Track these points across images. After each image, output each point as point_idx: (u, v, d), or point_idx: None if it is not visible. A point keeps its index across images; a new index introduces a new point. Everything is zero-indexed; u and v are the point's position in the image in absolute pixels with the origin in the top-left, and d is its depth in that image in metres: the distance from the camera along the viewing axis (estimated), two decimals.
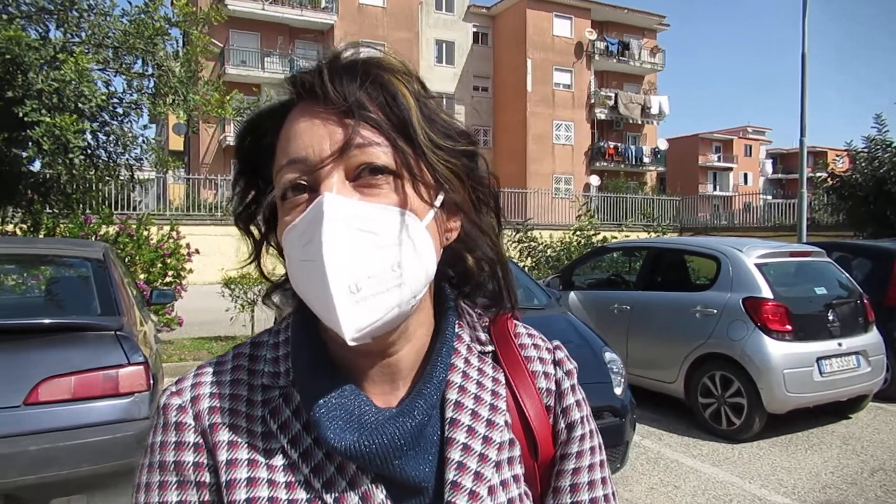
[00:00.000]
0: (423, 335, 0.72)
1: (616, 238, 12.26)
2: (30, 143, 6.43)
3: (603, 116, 34.40)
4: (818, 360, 5.47)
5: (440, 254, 0.69)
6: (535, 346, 0.81)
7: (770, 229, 21.21)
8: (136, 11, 7.76)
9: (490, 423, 0.71)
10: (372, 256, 0.61)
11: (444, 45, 34.04)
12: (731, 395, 5.52)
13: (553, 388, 0.78)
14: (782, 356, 5.35)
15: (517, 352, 0.78)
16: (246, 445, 0.66)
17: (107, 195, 12.41)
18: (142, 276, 8.23)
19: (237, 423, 0.67)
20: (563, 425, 0.77)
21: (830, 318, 5.71)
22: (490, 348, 0.78)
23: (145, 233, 8.59)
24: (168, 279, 8.57)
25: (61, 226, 7.97)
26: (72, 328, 3.22)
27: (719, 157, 55.97)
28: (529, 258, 13.01)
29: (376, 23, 29.81)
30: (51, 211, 7.93)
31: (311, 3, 28.56)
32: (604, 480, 0.79)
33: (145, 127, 10.73)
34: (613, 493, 0.80)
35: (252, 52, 27.35)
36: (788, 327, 5.45)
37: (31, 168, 7.57)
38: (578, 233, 13.32)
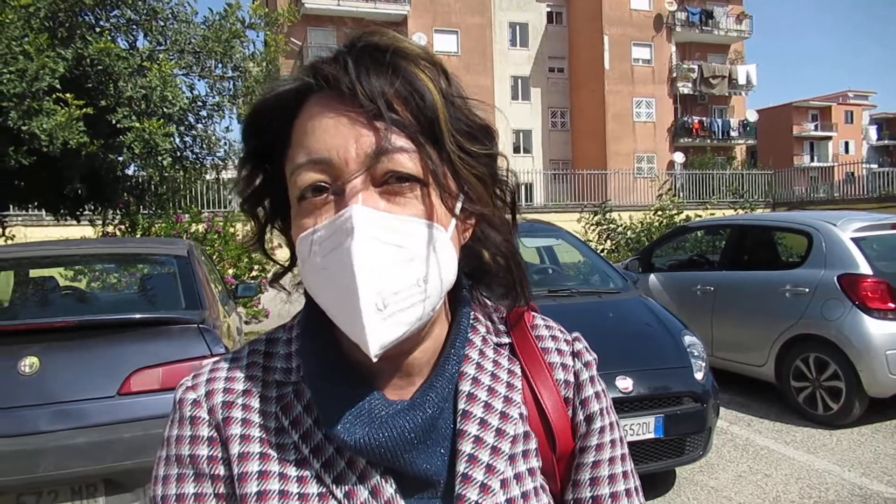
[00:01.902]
0: (440, 330, 0.71)
1: (700, 217, 11.77)
2: (124, 149, 6.84)
3: (686, 90, 33.06)
4: None
5: (458, 259, 0.68)
6: (553, 337, 0.79)
7: (875, 200, 19.72)
8: (216, 17, 8.09)
9: (504, 416, 0.70)
10: (398, 272, 0.60)
11: (517, 27, 33.62)
12: (827, 379, 5.20)
13: (571, 379, 0.76)
14: (884, 336, 4.98)
15: (534, 343, 0.77)
16: (258, 440, 0.67)
17: (195, 195, 13.04)
18: (230, 271, 8.62)
19: (250, 417, 0.68)
20: (581, 417, 0.75)
21: None
22: (506, 340, 0.76)
23: (231, 229, 8.99)
24: (254, 273, 8.94)
25: (156, 225, 8.45)
26: (159, 322, 3.40)
27: (816, 126, 52.53)
28: (608, 241, 12.71)
29: (449, 10, 29.81)
30: (145, 212, 8.42)
31: None
32: (625, 474, 0.76)
33: (227, 129, 11.20)
34: (637, 488, 0.77)
35: (329, 47, 27.83)
36: (891, 305, 5.06)
37: (127, 172, 8.07)
38: (660, 213, 12.89)
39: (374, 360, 0.60)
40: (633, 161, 31.56)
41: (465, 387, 0.70)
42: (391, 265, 0.59)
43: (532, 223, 6.54)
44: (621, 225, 12.80)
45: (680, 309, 6.08)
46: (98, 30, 7.36)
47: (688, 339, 4.17)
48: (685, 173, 25.73)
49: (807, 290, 5.40)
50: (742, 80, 33.78)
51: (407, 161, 0.61)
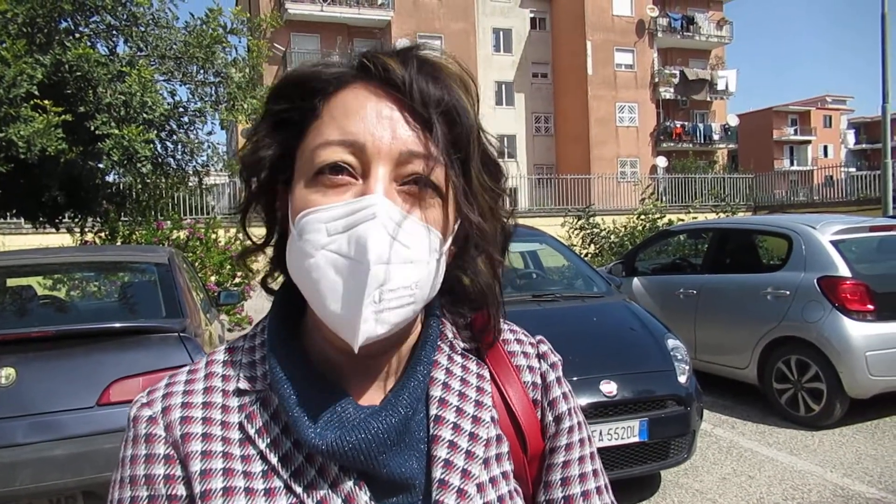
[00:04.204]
0: (412, 336, 0.72)
1: (683, 221, 11.87)
2: (103, 156, 6.77)
3: (668, 95, 33.35)
4: None
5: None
6: (518, 340, 0.80)
7: (854, 203, 20.04)
8: (197, 22, 8.04)
9: (476, 420, 0.70)
10: (400, 270, 0.61)
11: (501, 32, 33.78)
12: (808, 380, 5.24)
13: (538, 381, 0.77)
14: (864, 337, 5.04)
15: (500, 347, 0.77)
16: (221, 454, 0.64)
17: (178, 201, 12.94)
18: (213, 278, 8.55)
19: (211, 431, 0.65)
20: (550, 418, 0.76)
21: None
22: (473, 345, 0.76)
23: (213, 236, 8.92)
24: (237, 280, 8.87)
25: (136, 233, 8.36)
26: (139, 331, 3.36)
27: (796, 131, 53.28)
28: (592, 245, 12.77)
29: (432, 15, 29.86)
30: (126, 219, 8.33)
31: (368, 1, 28.88)
32: (595, 472, 0.77)
33: (209, 133, 11.12)
34: (606, 486, 0.77)
35: (312, 53, 27.92)
36: (870, 307, 5.12)
37: (107, 179, 7.99)
38: (643, 217, 12.97)
39: (356, 351, 0.60)
40: (617, 165, 31.76)
41: (437, 392, 0.70)
42: (395, 262, 0.60)
43: (516, 227, 6.55)
44: (605, 229, 12.87)
45: (663, 312, 6.11)
46: (77, 35, 7.29)
47: (671, 342, 4.19)
48: (668, 177, 25.96)
49: (787, 292, 5.45)
50: (723, 86, 34.13)
51: (436, 170, 0.63)
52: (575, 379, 3.73)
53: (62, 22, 7.19)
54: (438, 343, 0.73)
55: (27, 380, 3.03)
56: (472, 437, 0.68)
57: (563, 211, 16.08)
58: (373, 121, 0.62)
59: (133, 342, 3.31)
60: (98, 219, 8.15)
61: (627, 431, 3.64)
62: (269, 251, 0.75)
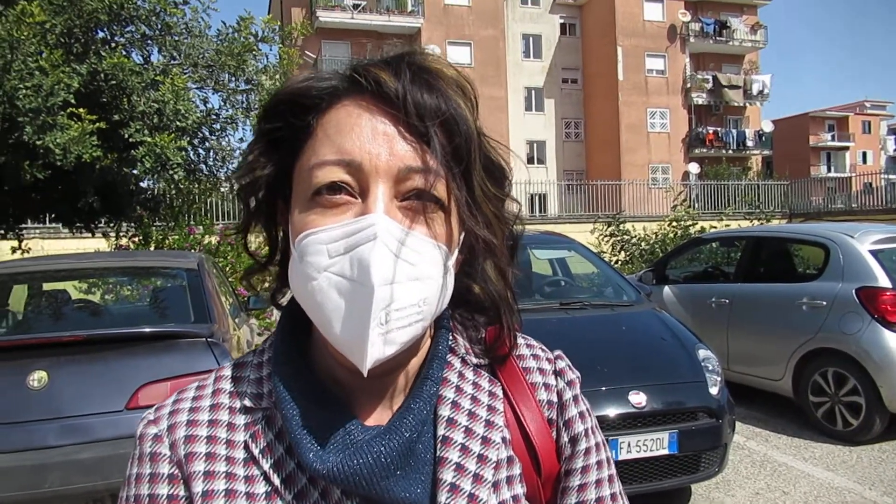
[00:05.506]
0: (422, 352, 0.70)
1: (715, 228, 11.65)
2: (137, 163, 6.90)
3: (701, 101, 32.90)
4: None
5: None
6: (535, 356, 0.76)
7: (894, 212, 19.48)
8: (229, 31, 8.17)
9: (486, 441, 0.67)
10: (406, 289, 0.59)
11: (531, 38, 33.70)
12: (846, 394, 5.09)
13: (555, 399, 0.74)
14: None
15: (515, 363, 0.74)
16: (224, 475, 0.63)
17: (209, 206, 13.14)
18: (243, 283, 8.64)
19: (216, 450, 0.65)
20: (566, 439, 0.73)
21: None
22: (486, 361, 0.73)
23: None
24: (266, 285, 8.94)
25: (169, 238, 8.51)
26: (167, 336, 3.40)
27: (833, 137, 52.06)
28: (622, 252, 12.62)
29: (462, 22, 29.93)
30: (159, 224, 8.47)
31: (398, 8, 29.08)
32: (613, 496, 0.73)
33: (241, 140, 11.28)
34: None
35: (343, 60, 28.06)
36: None
37: (141, 185, 8.14)
38: (674, 224, 12.78)
39: (365, 374, 0.59)
40: (648, 172, 31.39)
41: (445, 411, 0.68)
42: (400, 282, 0.59)
43: (545, 234, 6.50)
44: (635, 236, 12.71)
45: (695, 322, 6.00)
46: (112, 45, 7.45)
47: (702, 352, 4.10)
48: (700, 184, 25.56)
49: (824, 303, 5.30)
50: (757, 91, 33.56)
51: (437, 184, 0.61)
52: (604, 389, 3.67)
53: (98, 32, 7.36)
54: (448, 359, 0.71)
55: (59, 383, 3.08)
56: (481, 459, 0.66)
57: (594, 217, 15.94)
58: (368, 138, 0.61)
59: (162, 347, 3.35)
60: (132, 224, 8.30)
61: (657, 444, 3.56)
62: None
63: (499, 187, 0.69)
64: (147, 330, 3.45)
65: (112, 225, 8.16)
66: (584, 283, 5.81)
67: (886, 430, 5.01)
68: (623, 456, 3.49)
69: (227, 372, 0.71)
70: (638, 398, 3.61)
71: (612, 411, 3.56)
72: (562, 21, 34.19)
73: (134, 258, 4.81)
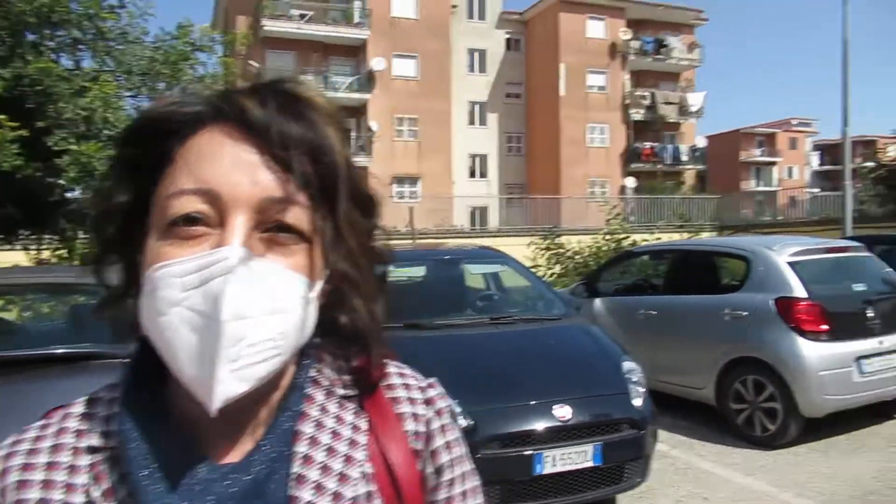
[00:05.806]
0: (283, 382, 0.67)
1: (647, 241, 12.01)
2: (61, 172, 6.66)
3: (639, 117, 33.84)
4: (858, 359, 5.24)
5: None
6: (406, 385, 0.75)
7: (815, 224, 20.48)
8: (167, 38, 7.99)
9: (343, 477, 0.65)
10: (261, 323, 0.57)
11: (476, 53, 34.03)
12: (764, 400, 5.31)
13: (422, 429, 0.72)
14: (818, 357, 5.13)
15: (383, 394, 0.72)
16: None
17: None
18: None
19: (50, 496, 0.61)
20: (431, 469, 0.71)
21: (870, 315, 5.46)
22: (353, 392, 0.71)
23: None
24: None
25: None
26: (83, 357, 3.26)
27: (762, 152, 54.49)
28: (558, 265, 12.84)
29: (409, 35, 29.99)
30: (85, 237, 8.16)
31: (345, 20, 28.96)
32: None
33: None
34: None
35: (288, 70, 27.82)
36: (824, 327, 5.22)
37: (67, 196, 7.83)
38: (608, 237, 13.10)
39: (214, 414, 0.56)
40: (587, 185, 32.07)
41: (302, 448, 0.64)
42: (255, 315, 0.57)
43: (480, 249, 6.58)
44: (569, 249, 12.95)
45: (625, 334, 6.16)
46: (41, 49, 7.18)
47: (627, 364, 4.21)
48: (636, 198, 26.26)
49: (745, 313, 5.53)
50: (692, 108, 34.76)
51: (300, 214, 0.60)
52: (532, 403, 3.73)
53: (27, 35, 7.08)
54: (310, 391, 0.68)
55: None
56: (336, 496, 0.63)
57: (533, 231, 16.18)
58: (229, 167, 0.59)
59: (78, 368, 3.20)
60: (55, 236, 7.96)
61: (581, 456, 3.63)
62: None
63: (368, 219, 0.68)
64: (59, 351, 3.29)
65: (34, 237, 7.82)
66: (516, 298, 5.90)
67: (801, 434, 5.26)
68: (548, 470, 3.55)
69: (77, 409, 0.68)
70: (563, 412, 3.68)
71: (538, 425, 3.62)
72: (507, 36, 34.69)
73: (54, 274, 4.62)
